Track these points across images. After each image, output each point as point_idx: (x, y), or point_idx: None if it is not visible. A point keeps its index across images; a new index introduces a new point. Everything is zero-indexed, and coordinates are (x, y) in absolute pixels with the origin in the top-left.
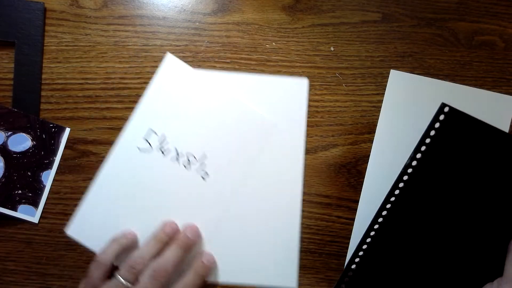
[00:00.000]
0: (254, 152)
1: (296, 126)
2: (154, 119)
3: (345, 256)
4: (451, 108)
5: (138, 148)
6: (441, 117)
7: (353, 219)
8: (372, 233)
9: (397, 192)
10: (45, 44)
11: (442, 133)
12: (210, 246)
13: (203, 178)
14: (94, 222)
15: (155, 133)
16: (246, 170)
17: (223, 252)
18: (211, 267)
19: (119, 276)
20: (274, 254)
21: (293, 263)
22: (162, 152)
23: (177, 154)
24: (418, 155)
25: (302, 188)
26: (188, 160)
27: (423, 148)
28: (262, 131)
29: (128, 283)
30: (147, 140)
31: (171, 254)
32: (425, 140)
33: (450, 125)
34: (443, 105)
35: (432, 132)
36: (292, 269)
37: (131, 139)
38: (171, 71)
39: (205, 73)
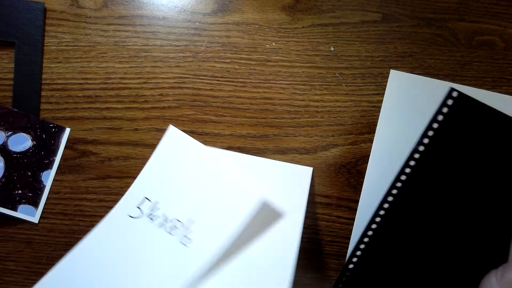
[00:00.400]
0: (245, 222)
1: (295, 210)
2: (151, 188)
3: (345, 256)
4: (460, 93)
5: (130, 216)
6: (449, 101)
7: (353, 219)
8: (375, 224)
9: (403, 178)
10: (45, 44)
11: (450, 118)
12: None
13: (184, 244)
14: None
15: (149, 200)
16: (232, 240)
17: None
18: None
19: None
20: None
21: None
22: (151, 218)
23: (165, 220)
24: (425, 140)
25: (293, 270)
26: (175, 225)
27: (430, 133)
28: (255, 199)
29: None
30: (139, 208)
31: None
32: (432, 125)
33: (459, 111)
34: (452, 90)
35: (440, 117)
36: None
37: (124, 207)
38: (173, 142)
39: (208, 149)
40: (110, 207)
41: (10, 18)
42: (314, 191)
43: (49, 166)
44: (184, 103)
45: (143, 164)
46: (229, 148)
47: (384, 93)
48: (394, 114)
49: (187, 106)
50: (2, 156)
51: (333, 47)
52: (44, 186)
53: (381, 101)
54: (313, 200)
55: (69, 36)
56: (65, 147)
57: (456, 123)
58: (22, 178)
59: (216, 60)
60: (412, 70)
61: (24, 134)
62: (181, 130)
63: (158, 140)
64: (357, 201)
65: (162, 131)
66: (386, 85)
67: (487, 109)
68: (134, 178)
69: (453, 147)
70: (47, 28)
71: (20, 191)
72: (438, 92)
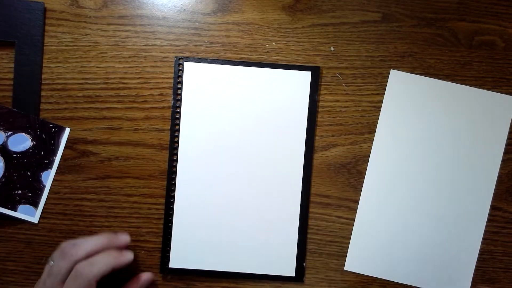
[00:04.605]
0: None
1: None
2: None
3: (345, 256)
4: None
5: None
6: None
7: (353, 219)
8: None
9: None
10: (45, 44)
11: None
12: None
13: None
14: None
15: None
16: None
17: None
18: (125, 257)
19: (49, 258)
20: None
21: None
22: None
23: None
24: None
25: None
26: None
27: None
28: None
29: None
30: None
31: (89, 241)
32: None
33: None
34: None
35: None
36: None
37: None
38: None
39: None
40: (110, 207)
41: (10, 18)
42: (314, 191)
43: (49, 166)
44: None
45: (143, 164)
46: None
47: (384, 93)
48: (394, 114)
49: None
50: (2, 156)
51: (333, 47)
52: (44, 186)
53: (381, 101)
54: (313, 200)
55: (69, 36)
56: (65, 147)
57: None
58: (22, 178)
59: None
60: (412, 70)
61: (24, 134)
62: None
63: (158, 140)
64: (357, 201)
65: (162, 131)
66: (386, 85)
67: None
68: (134, 178)
69: None
70: (47, 28)
71: (20, 191)
72: (438, 92)
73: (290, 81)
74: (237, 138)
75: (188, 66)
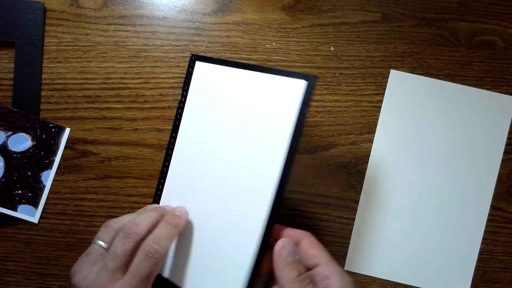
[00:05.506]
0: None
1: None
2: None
3: (345, 256)
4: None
5: None
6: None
7: (353, 219)
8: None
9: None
10: (45, 44)
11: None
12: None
13: None
14: None
15: None
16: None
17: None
18: (182, 218)
19: (96, 239)
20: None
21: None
22: None
23: None
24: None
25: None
26: None
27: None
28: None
29: (105, 244)
30: None
31: (144, 216)
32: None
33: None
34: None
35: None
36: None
37: None
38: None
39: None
40: (110, 207)
41: (10, 18)
42: (314, 191)
43: (49, 166)
44: None
45: (143, 164)
46: None
47: (384, 93)
48: (394, 114)
49: None
50: (2, 156)
51: (333, 47)
52: (44, 186)
53: (381, 101)
54: (313, 200)
55: (69, 36)
56: (65, 147)
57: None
58: (22, 178)
59: None
60: (412, 70)
61: (24, 134)
62: None
63: (158, 140)
64: (357, 201)
65: (162, 131)
66: (386, 85)
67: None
68: (134, 178)
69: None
70: (47, 28)
71: (20, 191)
72: (438, 92)
73: (280, 89)
74: (221, 142)
75: (198, 66)
